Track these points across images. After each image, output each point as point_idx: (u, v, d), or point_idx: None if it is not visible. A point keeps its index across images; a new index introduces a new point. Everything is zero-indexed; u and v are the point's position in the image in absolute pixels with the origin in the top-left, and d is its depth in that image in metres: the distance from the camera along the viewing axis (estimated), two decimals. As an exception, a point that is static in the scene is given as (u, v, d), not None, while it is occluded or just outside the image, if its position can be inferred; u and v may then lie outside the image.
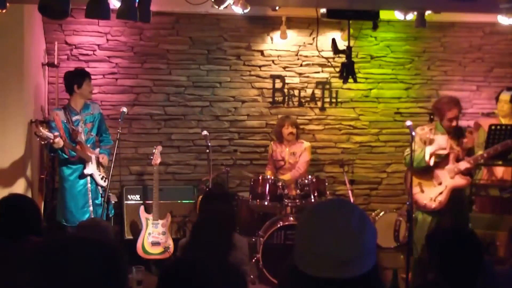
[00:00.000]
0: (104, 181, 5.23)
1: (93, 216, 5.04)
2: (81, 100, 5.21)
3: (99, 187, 5.23)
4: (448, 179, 4.97)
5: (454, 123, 4.94)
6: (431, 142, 4.99)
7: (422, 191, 5.07)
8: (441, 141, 4.96)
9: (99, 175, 5.21)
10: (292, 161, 6.09)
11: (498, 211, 5.34)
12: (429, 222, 4.99)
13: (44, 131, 4.74)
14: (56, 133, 4.79)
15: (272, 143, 6.29)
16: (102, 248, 1.40)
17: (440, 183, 4.99)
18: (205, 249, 3.23)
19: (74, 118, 5.13)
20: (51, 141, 4.74)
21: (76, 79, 5.16)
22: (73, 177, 5.12)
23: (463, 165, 4.95)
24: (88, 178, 5.16)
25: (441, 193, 4.97)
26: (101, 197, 5.18)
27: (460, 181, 4.97)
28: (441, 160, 4.99)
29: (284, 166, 6.11)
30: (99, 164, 5.24)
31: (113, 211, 5.51)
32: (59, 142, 4.79)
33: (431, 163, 4.98)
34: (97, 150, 5.33)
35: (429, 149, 4.96)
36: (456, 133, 5.01)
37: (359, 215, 1.42)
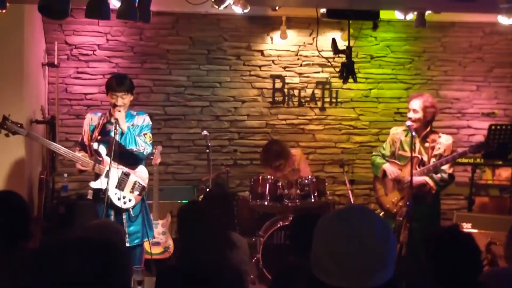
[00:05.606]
0: (124, 202, 4.51)
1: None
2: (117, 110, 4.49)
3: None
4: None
5: (409, 115, 4.87)
6: (399, 145, 5.00)
7: (386, 194, 5.07)
8: (401, 174, 4.96)
9: (116, 194, 4.49)
10: (296, 175, 5.82)
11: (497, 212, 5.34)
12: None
13: (11, 124, 4.45)
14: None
15: (265, 173, 5.84)
16: (104, 248, 1.40)
17: (402, 188, 4.94)
18: (194, 248, 3.20)
19: (108, 127, 4.55)
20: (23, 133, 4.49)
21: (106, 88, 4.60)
22: None
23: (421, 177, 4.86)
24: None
25: (402, 197, 4.92)
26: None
27: (418, 179, 4.80)
28: (405, 165, 4.93)
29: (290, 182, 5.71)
30: (121, 182, 4.53)
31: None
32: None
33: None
34: (139, 167, 4.67)
35: (386, 167, 5.03)
36: (424, 138, 4.90)
37: (382, 223, 1.39)
